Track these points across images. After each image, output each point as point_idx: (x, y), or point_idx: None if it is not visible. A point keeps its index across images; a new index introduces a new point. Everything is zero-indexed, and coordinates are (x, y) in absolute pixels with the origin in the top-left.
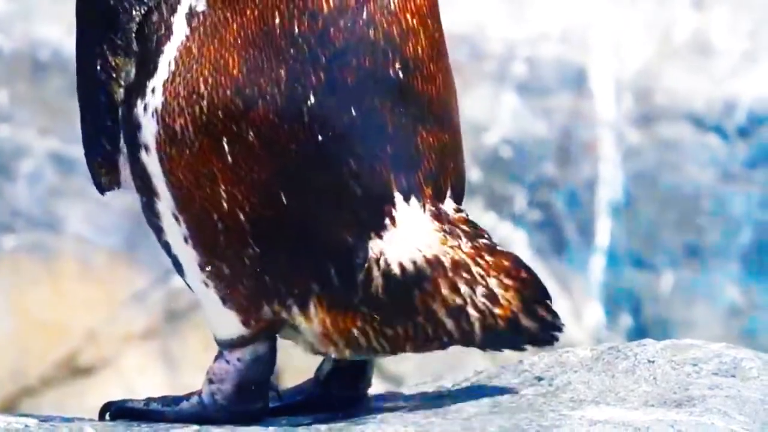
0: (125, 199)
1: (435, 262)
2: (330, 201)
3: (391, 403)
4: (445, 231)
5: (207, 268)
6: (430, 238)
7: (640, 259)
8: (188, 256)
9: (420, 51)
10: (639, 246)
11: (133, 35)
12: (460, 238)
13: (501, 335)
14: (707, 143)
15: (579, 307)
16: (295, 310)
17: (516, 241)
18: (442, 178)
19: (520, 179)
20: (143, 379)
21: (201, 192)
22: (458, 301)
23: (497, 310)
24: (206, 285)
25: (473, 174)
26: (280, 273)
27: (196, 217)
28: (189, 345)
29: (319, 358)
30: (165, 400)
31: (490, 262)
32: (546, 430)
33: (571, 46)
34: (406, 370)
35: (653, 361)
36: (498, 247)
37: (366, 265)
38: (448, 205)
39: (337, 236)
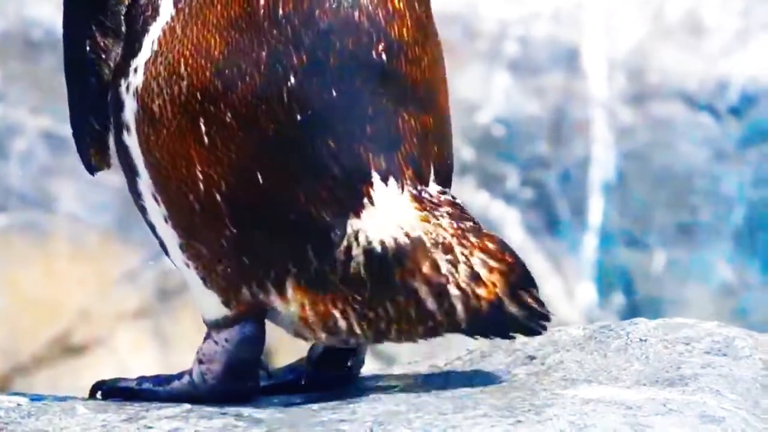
0: (117, 178)
1: (416, 240)
2: (307, 180)
3: (383, 382)
4: (426, 211)
5: (187, 249)
6: (410, 218)
7: (633, 238)
8: (169, 236)
9: (405, 33)
10: (631, 225)
11: (122, 17)
12: (443, 218)
13: (486, 320)
14: (700, 122)
15: (571, 286)
16: (273, 292)
17: (508, 220)
18: (424, 161)
19: (513, 158)
20: (136, 357)
21: (177, 173)
22: (440, 279)
23: (481, 291)
24: (188, 265)
25: (466, 153)
26: (258, 254)
27: (174, 198)
28: (181, 324)
29: None
30: (157, 379)
31: (475, 243)
32: (538, 409)
33: (564, 25)
34: (398, 349)
35: (645, 340)
36: (484, 230)
37: (345, 243)
38: (432, 188)
39: (313, 215)
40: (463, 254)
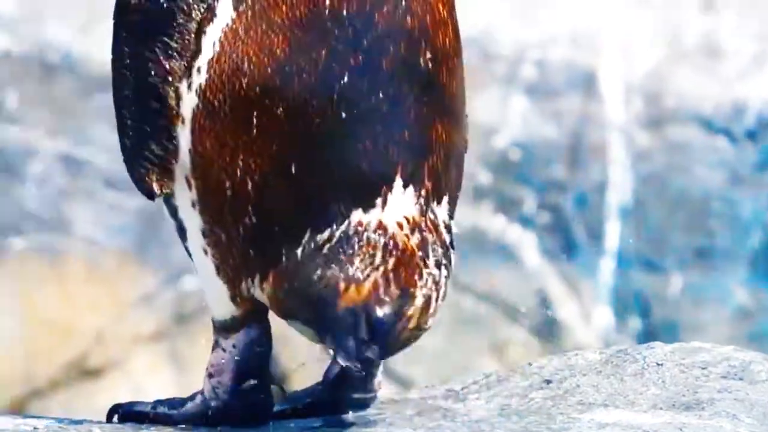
0: (134, 200)
1: (382, 228)
2: (334, 172)
3: (400, 406)
4: (419, 227)
5: (208, 235)
6: (405, 215)
7: (649, 262)
8: (193, 221)
9: (447, 43)
10: (648, 248)
11: (193, 35)
12: (424, 246)
13: (327, 318)
14: (716, 146)
15: (588, 309)
16: (259, 280)
17: (525, 243)
18: (444, 177)
19: (530, 182)
20: (152, 380)
21: (221, 161)
22: (340, 262)
23: (353, 292)
24: (205, 252)
25: (483, 177)
26: (263, 245)
27: (210, 184)
28: (197, 346)
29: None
30: (172, 403)
31: (401, 285)
32: None
33: (581, 48)
34: (415, 372)
35: (662, 364)
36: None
37: (337, 234)
38: (442, 213)
39: (327, 207)
40: (387, 279)
